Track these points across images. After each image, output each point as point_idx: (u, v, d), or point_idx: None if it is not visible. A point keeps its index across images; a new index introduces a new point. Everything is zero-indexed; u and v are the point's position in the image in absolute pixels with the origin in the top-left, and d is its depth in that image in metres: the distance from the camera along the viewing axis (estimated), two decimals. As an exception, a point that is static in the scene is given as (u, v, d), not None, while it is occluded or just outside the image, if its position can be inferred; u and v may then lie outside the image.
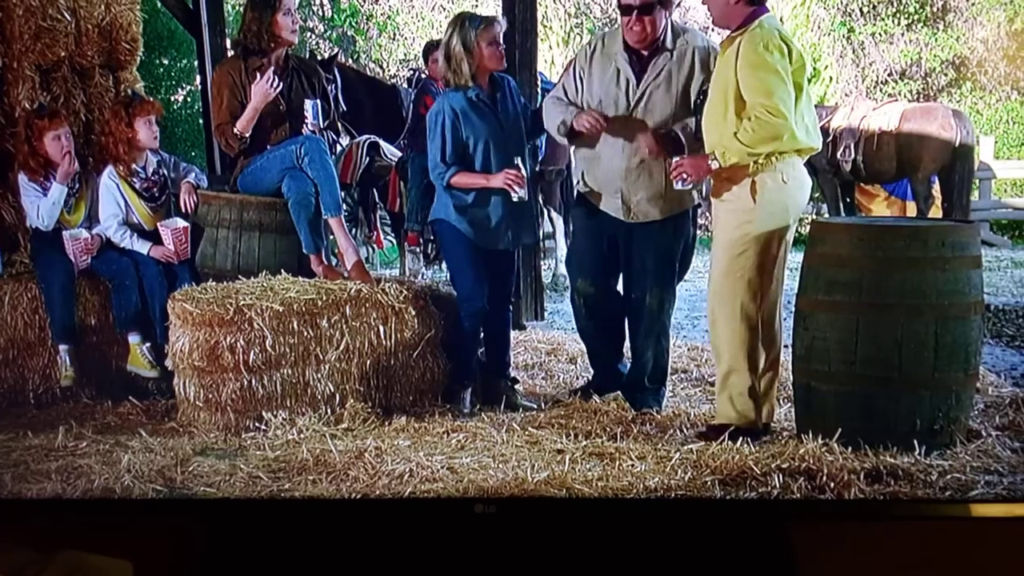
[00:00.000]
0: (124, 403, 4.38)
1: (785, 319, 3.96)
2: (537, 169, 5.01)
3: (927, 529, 3.20)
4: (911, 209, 6.18)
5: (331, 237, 4.59)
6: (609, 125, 4.09)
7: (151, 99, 4.84)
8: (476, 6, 7.53)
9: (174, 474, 3.65)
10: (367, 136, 5.27)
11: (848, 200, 6.39)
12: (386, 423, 4.09)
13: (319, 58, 5.89)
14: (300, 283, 4.30)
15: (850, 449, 3.57)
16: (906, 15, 7.39)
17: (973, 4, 7.18)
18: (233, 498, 3.52)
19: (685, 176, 3.86)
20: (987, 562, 3.06)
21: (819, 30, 7.49)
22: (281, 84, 4.53)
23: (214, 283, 4.30)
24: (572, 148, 4.45)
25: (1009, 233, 7.04)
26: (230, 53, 5.09)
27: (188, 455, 3.82)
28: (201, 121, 6.21)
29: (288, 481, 3.59)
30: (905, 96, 7.18)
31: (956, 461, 3.56)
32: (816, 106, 4.09)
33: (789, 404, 4.00)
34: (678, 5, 6.09)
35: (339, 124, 5.01)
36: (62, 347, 4.42)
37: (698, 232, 4.59)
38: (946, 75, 7.35)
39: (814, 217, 5.89)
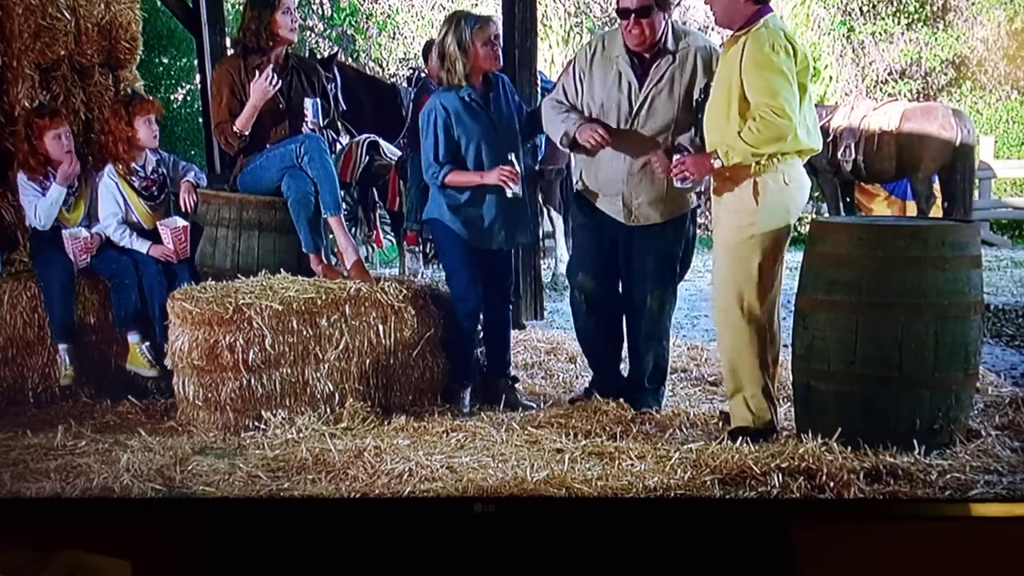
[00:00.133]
0: (123, 402, 4.38)
1: (785, 319, 3.96)
2: (537, 168, 5.00)
3: (927, 529, 3.19)
4: (911, 209, 6.17)
5: (331, 236, 4.59)
6: (614, 140, 4.05)
7: (151, 98, 4.84)
8: (475, 5, 7.52)
9: (173, 473, 3.64)
10: (367, 135, 5.26)
11: (848, 200, 6.37)
12: (385, 422, 4.09)
13: (319, 57, 5.88)
14: (299, 282, 4.30)
15: (850, 449, 3.56)
16: (906, 14, 7.38)
17: (973, 3, 7.17)
18: (232, 497, 3.51)
19: (687, 175, 3.85)
20: (987, 562, 3.05)
21: (819, 29, 7.48)
22: (280, 82, 4.52)
23: (213, 282, 4.30)
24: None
25: (1009, 233, 7.02)
26: (230, 52, 5.09)
27: (187, 454, 3.81)
28: (201, 120, 6.19)
29: (287, 480, 3.59)
30: (905, 95, 7.17)
31: (956, 461, 3.55)
32: (816, 105, 4.08)
33: (789, 404, 4.00)
34: (677, 5, 6.08)
35: (339, 123, 5.00)
36: (61, 346, 4.41)
37: (698, 232, 4.58)
38: (946, 74, 7.34)
39: (814, 216, 5.89)
